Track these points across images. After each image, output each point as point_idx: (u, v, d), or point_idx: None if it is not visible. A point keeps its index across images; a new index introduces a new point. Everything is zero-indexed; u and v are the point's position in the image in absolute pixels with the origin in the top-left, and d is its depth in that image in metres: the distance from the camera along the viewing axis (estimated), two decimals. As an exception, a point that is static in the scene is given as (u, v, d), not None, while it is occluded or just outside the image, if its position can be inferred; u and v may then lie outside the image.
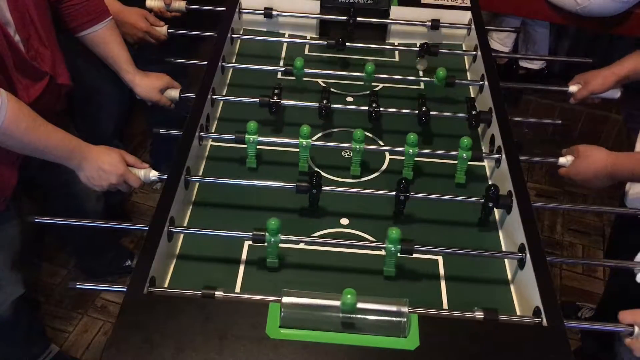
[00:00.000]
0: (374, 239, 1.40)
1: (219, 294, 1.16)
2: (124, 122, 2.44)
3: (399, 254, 1.26)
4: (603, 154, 1.48)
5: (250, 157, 1.54)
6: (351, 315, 1.11)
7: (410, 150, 1.49)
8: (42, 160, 1.42)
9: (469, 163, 1.54)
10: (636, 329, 1.14)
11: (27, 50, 1.41)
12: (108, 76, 1.75)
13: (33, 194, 1.82)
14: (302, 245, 1.37)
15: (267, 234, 1.25)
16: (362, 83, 1.81)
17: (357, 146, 1.49)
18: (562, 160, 1.54)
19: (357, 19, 1.95)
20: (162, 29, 1.92)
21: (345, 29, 1.97)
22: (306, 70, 1.75)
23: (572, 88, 1.78)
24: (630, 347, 1.16)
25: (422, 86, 1.87)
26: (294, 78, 1.77)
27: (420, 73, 1.92)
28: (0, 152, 1.41)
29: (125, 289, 1.15)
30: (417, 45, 1.92)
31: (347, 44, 1.90)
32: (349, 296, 1.09)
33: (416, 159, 1.55)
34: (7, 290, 1.71)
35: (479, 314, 1.15)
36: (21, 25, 1.38)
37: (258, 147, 1.53)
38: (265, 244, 1.27)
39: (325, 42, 1.89)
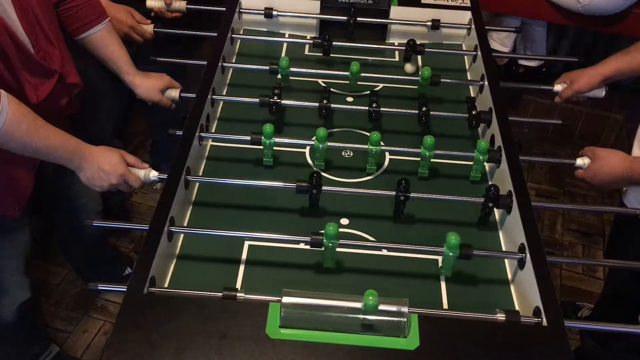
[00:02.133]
0: (373, 239, 1.40)
1: (240, 295, 1.16)
2: (123, 122, 2.44)
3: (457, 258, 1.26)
4: (620, 158, 1.49)
5: (267, 157, 1.54)
6: (351, 316, 1.11)
7: (427, 153, 1.50)
8: (54, 170, 1.42)
9: (469, 163, 1.54)
10: None
11: (37, 51, 1.42)
12: (108, 75, 1.75)
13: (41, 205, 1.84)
14: (302, 245, 1.37)
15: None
16: (362, 83, 1.81)
17: (373, 149, 1.50)
18: (579, 161, 1.55)
19: (357, 19, 1.95)
20: (148, 27, 1.92)
21: (346, 28, 1.97)
22: (292, 69, 1.74)
23: (557, 87, 1.79)
24: None
25: (422, 86, 1.87)
26: (304, 79, 1.77)
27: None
28: (16, 159, 1.41)
29: (125, 289, 1.15)
30: (400, 44, 1.91)
31: (347, 44, 1.90)
32: (370, 297, 1.08)
33: (415, 159, 1.55)
34: (15, 295, 1.73)
35: (500, 316, 1.16)
36: (28, 26, 1.38)
37: (257, 147, 1.53)
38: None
39: (311, 41, 1.88)
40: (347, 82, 1.79)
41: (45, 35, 1.44)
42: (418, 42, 1.85)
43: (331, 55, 1.90)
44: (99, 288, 1.22)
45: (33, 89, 1.42)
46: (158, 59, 1.82)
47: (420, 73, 1.74)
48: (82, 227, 1.93)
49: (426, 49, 1.86)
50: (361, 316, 1.10)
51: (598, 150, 1.53)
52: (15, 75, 1.37)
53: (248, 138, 1.51)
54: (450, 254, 1.24)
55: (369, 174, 1.56)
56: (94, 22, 1.63)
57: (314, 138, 1.50)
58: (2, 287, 1.69)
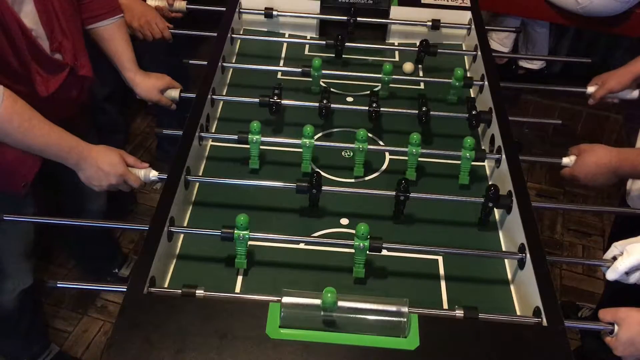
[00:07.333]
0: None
1: (199, 292, 1.16)
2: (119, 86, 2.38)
3: (367, 252, 1.26)
4: (606, 149, 1.50)
5: (253, 158, 1.53)
6: (351, 316, 1.11)
7: (414, 150, 1.48)
8: None
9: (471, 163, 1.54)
10: (616, 327, 1.14)
11: (51, 43, 1.42)
12: None
13: (48, 187, 1.83)
14: (302, 245, 1.37)
15: (235, 230, 1.25)
16: (362, 83, 1.81)
17: (360, 146, 1.49)
18: (565, 160, 1.55)
19: (357, 19, 1.95)
20: (166, 31, 1.92)
21: (346, 29, 1.97)
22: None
23: (590, 89, 1.79)
24: (609, 345, 1.15)
25: (422, 86, 1.87)
26: (304, 79, 1.77)
27: (420, 73, 1.92)
28: None
29: (125, 289, 1.15)
30: (417, 44, 1.92)
31: (347, 44, 1.90)
32: (329, 295, 1.09)
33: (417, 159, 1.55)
34: (17, 279, 1.73)
35: (459, 312, 1.16)
36: (45, 18, 1.39)
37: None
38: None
39: (324, 42, 1.89)
40: (352, 82, 1.80)
41: (60, 28, 1.44)
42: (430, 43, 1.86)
43: (331, 55, 1.90)
44: (58, 285, 1.24)
45: (44, 82, 1.43)
46: (190, 61, 1.84)
47: (453, 74, 1.74)
48: (85, 211, 1.93)
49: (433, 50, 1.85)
50: (361, 316, 1.10)
51: (583, 145, 1.53)
52: (26, 68, 1.38)
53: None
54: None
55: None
56: (105, 16, 1.63)
57: (314, 138, 1.50)
58: (4, 270, 1.69)
